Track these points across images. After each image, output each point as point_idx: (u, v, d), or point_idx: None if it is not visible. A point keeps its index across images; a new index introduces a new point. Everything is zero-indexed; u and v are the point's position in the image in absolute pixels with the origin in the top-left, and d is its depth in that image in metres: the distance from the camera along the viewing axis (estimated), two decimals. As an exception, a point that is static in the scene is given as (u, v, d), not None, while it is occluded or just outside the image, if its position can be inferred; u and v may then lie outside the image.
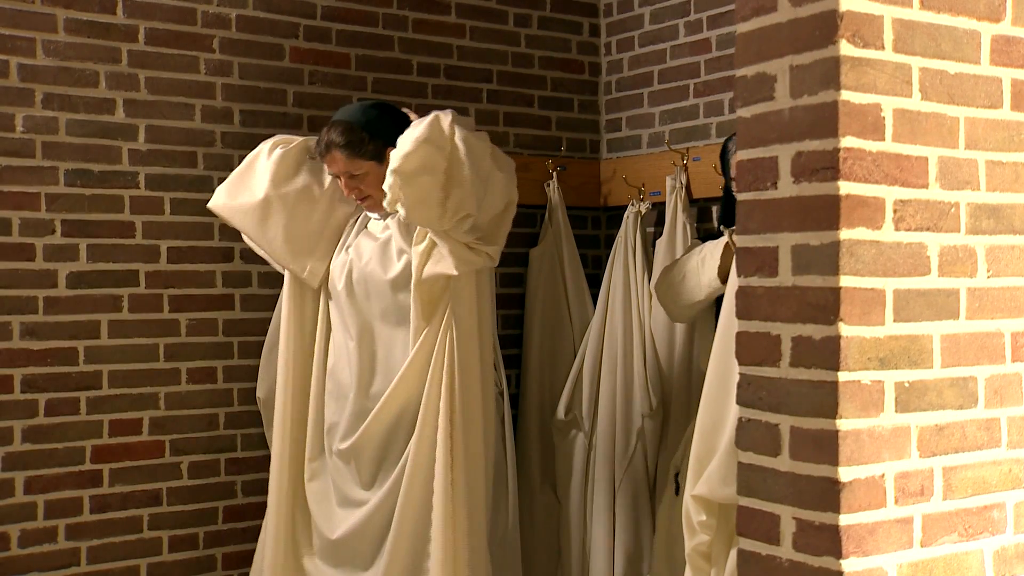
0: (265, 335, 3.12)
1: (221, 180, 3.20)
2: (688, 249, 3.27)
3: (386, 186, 2.58)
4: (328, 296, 2.94)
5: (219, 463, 3.23)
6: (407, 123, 2.85)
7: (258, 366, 3.15)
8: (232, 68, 3.23)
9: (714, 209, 3.44)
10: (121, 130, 3.08)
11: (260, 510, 3.22)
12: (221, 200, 2.92)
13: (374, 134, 2.77)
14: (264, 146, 2.93)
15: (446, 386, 2.72)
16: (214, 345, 3.22)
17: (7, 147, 2.93)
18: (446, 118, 2.63)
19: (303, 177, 2.91)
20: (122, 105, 3.08)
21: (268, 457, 3.26)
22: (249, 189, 2.89)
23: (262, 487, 3.24)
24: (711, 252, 2.79)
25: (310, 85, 3.36)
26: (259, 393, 3.13)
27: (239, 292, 3.24)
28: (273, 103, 3.30)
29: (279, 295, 3.04)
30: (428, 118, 2.64)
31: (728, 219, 3.01)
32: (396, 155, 2.58)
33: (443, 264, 2.67)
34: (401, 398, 2.75)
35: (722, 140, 3.42)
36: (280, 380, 2.94)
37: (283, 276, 2.98)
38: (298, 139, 2.95)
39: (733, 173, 2.88)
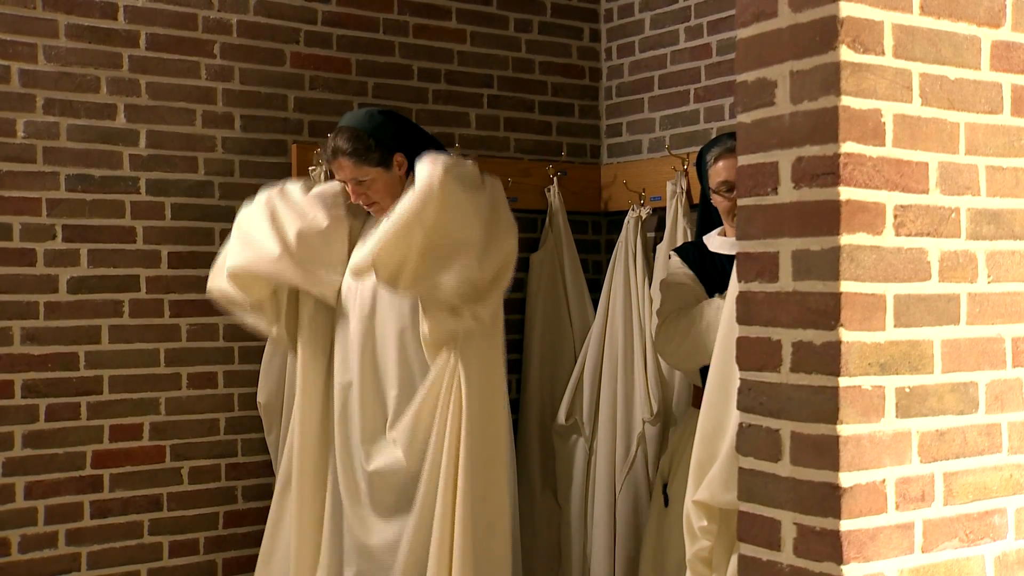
0: (266, 340, 3.13)
1: (222, 185, 3.21)
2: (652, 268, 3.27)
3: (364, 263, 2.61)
4: (334, 314, 2.89)
5: (219, 468, 3.23)
6: (412, 130, 2.86)
7: (259, 371, 3.16)
8: (233, 73, 3.23)
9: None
10: (122, 135, 3.08)
11: (261, 515, 3.22)
12: (239, 261, 2.78)
13: (380, 140, 2.77)
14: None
15: (467, 402, 2.69)
16: (215, 350, 3.22)
17: (8, 152, 2.94)
18: (436, 179, 2.56)
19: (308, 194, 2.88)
20: (123, 110, 3.08)
21: (269, 462, 3.26)
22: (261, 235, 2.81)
23: (263, 492, 3.25)
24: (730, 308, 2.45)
25: (311, 90, 3.36)
26: (260, 398, 3.13)
27: (240, 297, 3.24)
28: (274, 108, 3.30)
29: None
30: (419, 185, 2.57)
31: (705, 228, 2.98)
32: (372, 247, 2.56)
33: (422, 325, 2.68)
34: (425, 418, 2.72)
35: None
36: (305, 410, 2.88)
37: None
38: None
39: (711, 183, 2.86)
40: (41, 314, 2.97)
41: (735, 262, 1.89)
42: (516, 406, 3.66)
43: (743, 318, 1.83)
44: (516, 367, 3.68)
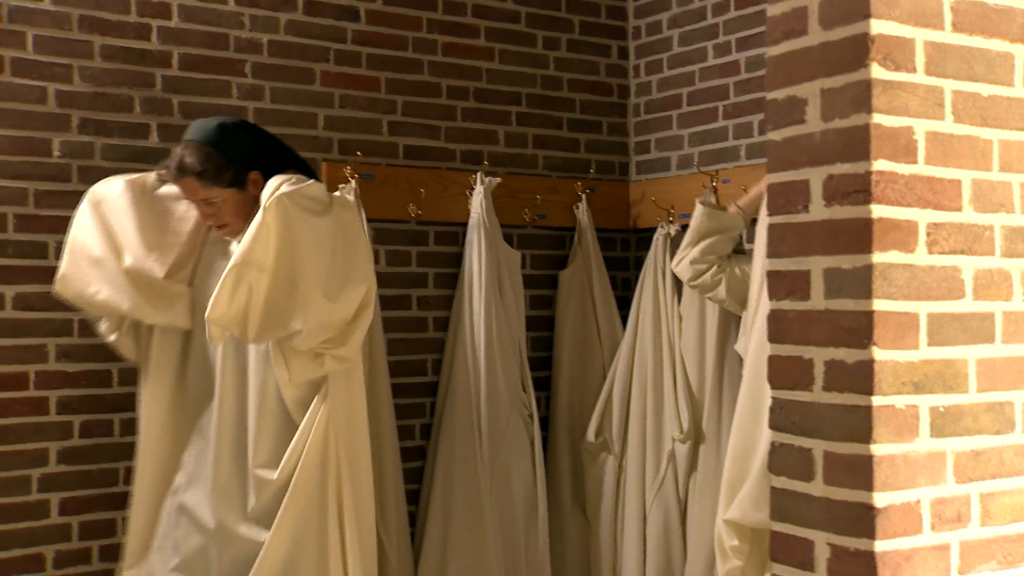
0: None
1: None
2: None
3: (209, 333, 2.39)
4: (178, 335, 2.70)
5: (250, 485, 3.24)
6: (269, 143, 2.66)
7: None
8: (264, 92, 3.26)
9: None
10: (155, 154, 3.11)
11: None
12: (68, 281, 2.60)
13: (232, 158, 2.52)
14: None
15: (333, 445, 2.51)
16: (246, 367, 3.24)
17: (44, 172, 2.97)
18: (271, 211, 2.33)
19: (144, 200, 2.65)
20: (156, 130, 3.12)
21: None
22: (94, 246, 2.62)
23: (293, 509, 3.25)
24: None
25: (340, 108, 3.38)
26: None
27: (270, 314, 3.25)
28: (304, 127, 3.32)
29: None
30: (253, 225, 2.35)
31: None
32: (213, 299, 2.33)
33: (280, 372, 2.46)
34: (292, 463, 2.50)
35: (753, 162, 3.42)
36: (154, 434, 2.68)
37: None
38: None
39: None
40: (75, 332, 3.00)
41: (766, 280, 1.88)
42: (545, 423, 3.65)
43: (774, 336, 1.82)
44: (545, 384, 3.68)
